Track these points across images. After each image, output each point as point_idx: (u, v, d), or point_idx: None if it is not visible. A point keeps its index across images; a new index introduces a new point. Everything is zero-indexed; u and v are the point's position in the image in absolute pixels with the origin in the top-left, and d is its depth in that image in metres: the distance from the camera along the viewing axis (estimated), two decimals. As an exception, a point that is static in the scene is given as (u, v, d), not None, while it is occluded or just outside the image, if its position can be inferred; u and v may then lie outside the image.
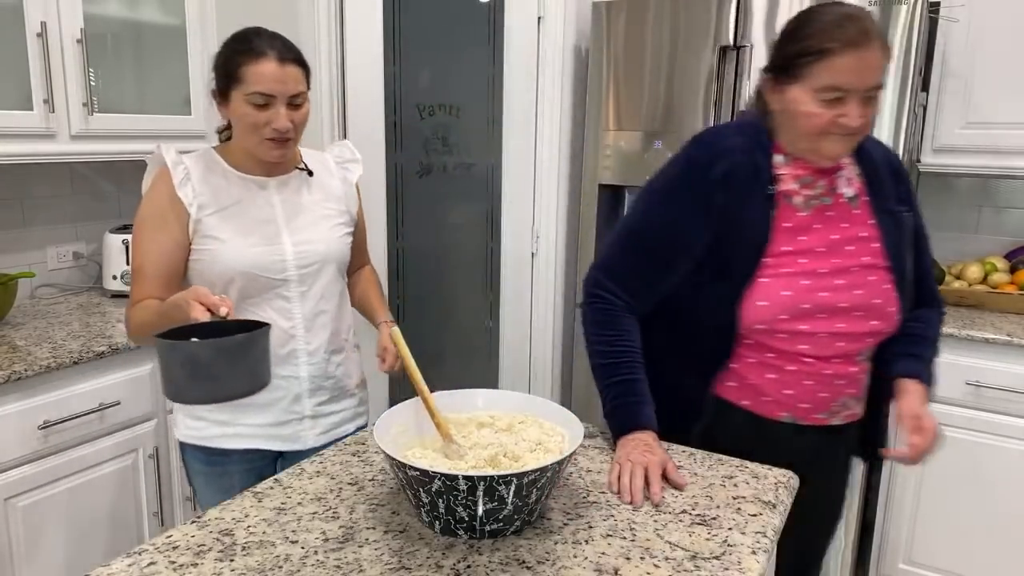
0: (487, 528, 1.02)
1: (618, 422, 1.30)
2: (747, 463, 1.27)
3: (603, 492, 1.17)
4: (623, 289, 1.36)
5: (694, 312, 1.33)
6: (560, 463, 1.01)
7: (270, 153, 1.43)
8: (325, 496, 1.14)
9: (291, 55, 1.40)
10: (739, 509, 1.12)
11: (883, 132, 2.11)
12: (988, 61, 2.34)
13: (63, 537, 1.86)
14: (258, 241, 1.45)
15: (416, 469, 0.98)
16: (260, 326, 1.13)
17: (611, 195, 2.60)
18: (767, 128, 1.33)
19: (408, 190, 2.79)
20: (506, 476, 0.96)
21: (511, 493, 0.98)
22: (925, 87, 2.44)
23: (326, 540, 1.02)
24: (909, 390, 1.35)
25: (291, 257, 1.48)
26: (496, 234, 2.82)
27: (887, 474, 2.39)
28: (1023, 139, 2.34)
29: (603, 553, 1.00)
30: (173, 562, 0.96)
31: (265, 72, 1.36)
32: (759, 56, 2.23)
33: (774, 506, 1.14)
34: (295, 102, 1.41)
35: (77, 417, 1.84)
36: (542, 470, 0.98)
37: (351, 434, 1.54)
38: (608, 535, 1.05)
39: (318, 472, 1.22)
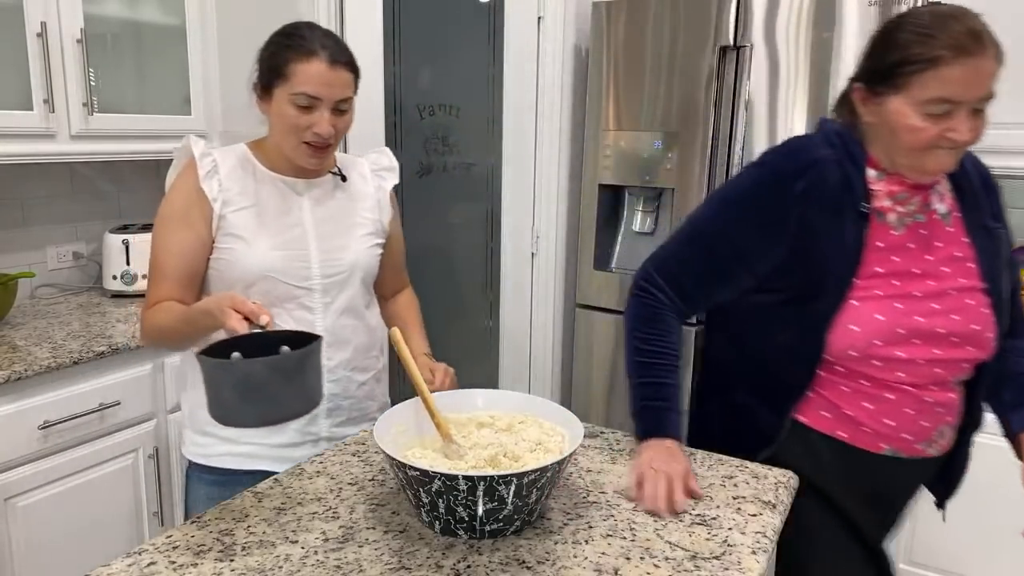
0: (487, 528, 1.02)
1: (644, 425, 1.26)
2: (747, 463, 1.27)
3: (603, 492, 1.17)
4: (673, 289, 1.29)
5: (773, 334, 1.25)
6: (560, 463, 1.01)
7: (307, 159, 1.35)
8: (325, 496, 1.14)
9: (343, 57, 1.32)
10: (739, 509, 1.12)
11: (883, 132, 2.11)
12: (988, 61, 2.34)
13: (63, 537, 1.86)
14: (283, 244, 1.37)
15: (416, 469, 0.98)
16: (303, 336, 1.06)
17: (611, 195, 2.60)
18: (858, 140, 1.23)
19: (408, 190, 2.78)
20: (506, 476, 0.96)
21: (511, 493, 0.98)
22: (925, 87, 2.43)
23: (326, 540, 1.02)
24: None
25: (316, 265, 1.39)
26: (496, 234, 2.82)
27: (887, 474, 2.39)
28: (1023, 139, 2.34)
29: (603, 553, 1.00)
30: (173, 562, 0.96)
31: (313, 73, 1.28)
32: (759, 56, 2.23)
33: (774, 506, 1.14)
34: (341, 107, 1.33)
35: (77, 417, 1.84)
36: (542, 470, 0.98)
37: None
38: (608, 535, 1.05)
39: (318, 472, 1.22)
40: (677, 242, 1.32)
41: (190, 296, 1.35)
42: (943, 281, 1.21)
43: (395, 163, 1.58)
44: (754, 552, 1.01)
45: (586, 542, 1.03)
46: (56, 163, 2.37)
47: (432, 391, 1.27)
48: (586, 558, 0.99)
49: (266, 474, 1.32)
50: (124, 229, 2.46)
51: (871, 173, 1.22)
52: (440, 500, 0.99)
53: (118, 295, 2.41)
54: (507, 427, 1.19)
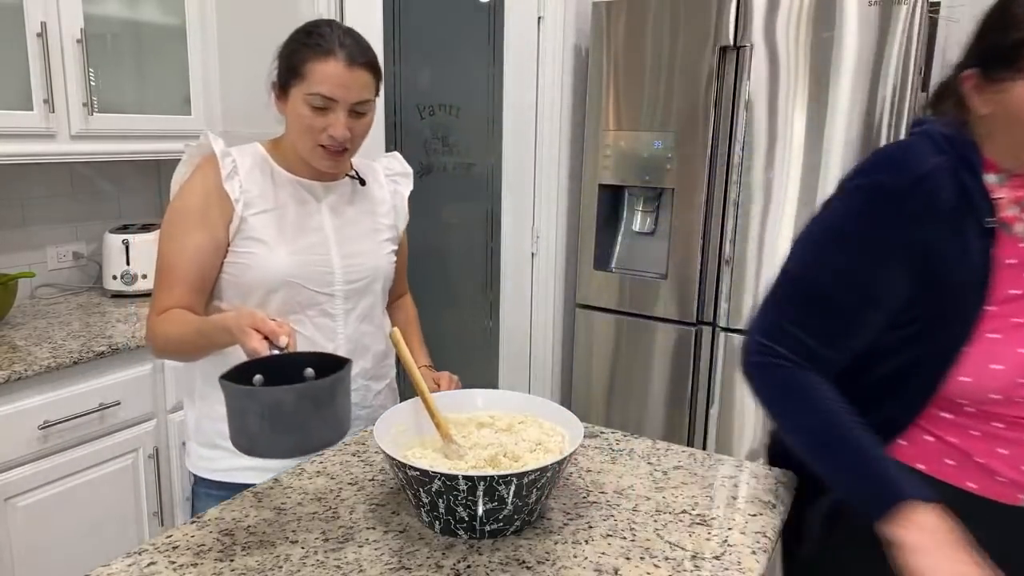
0: (487, 528, 1.02)
1: (882, 498, 0.99)
2: (747, 463, 1.27)
3: (603, 492, 1.17)
4: (800, 355, 1.07)
5: (880, 369, 1.09)
6: (560, 463, 1.01)
7: (322, 162, 1.31)
8: (325, 496, 1.14)
9: (363, 58, 1.26)
10: (739, 509, 1.12)
11: (883, 132, 2.11)
12: (988, 61, 2.34)
13: (63, 537, 1.86)
14: (306, 249, 1.33)
15: (416, 469, 0.98)
16: (326, 358, 1.02)
17: (611, 195, 2.60)
18: (970, 140, 1.05)
19: (408, 190, 2.79)
20: (506, 476, 0.96)
21: (511, 493, 0.98)
22: (925, 87, 2.44)
23: (326, 540, 1.02)
24: None
25: (339, 270, 1.36)
26: (496, 234, 2.82)
27: (887, 474, 2.38)
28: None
29: (603, 553, 1.00)
30: (173, 562, 0.96)
31: (330, 73, 1.23)
32: (759, 56, 2.23)
33: (774, 506, 1.14)
34: (358, 110, 1.28)
35: (77, 417, 1.84)
36: (542, 470, 0.98)
37: None
38: (608, 535, 1.05)
39: (318, 472, 1.22)
40: (783, 302, 1.11)
41: (200, 302, 1.29)
42: None
43: (408, 168, 1.55)
44: (754, 552, 1.01)
45: (586, 542, 1.03)
46: (56, 163, 2.37)
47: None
48: (586, 558, 0.99)
49: None
50: (124, 229, 2.46)
51: (990, 178, 1.04)
52: (440, 500, 0.99)
53: (118, 295, 2.41)
54: (507, 427, 1.19)
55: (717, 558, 1.00)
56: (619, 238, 2.67)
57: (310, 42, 1.25)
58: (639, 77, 2.42)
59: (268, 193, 1.33)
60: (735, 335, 2.39)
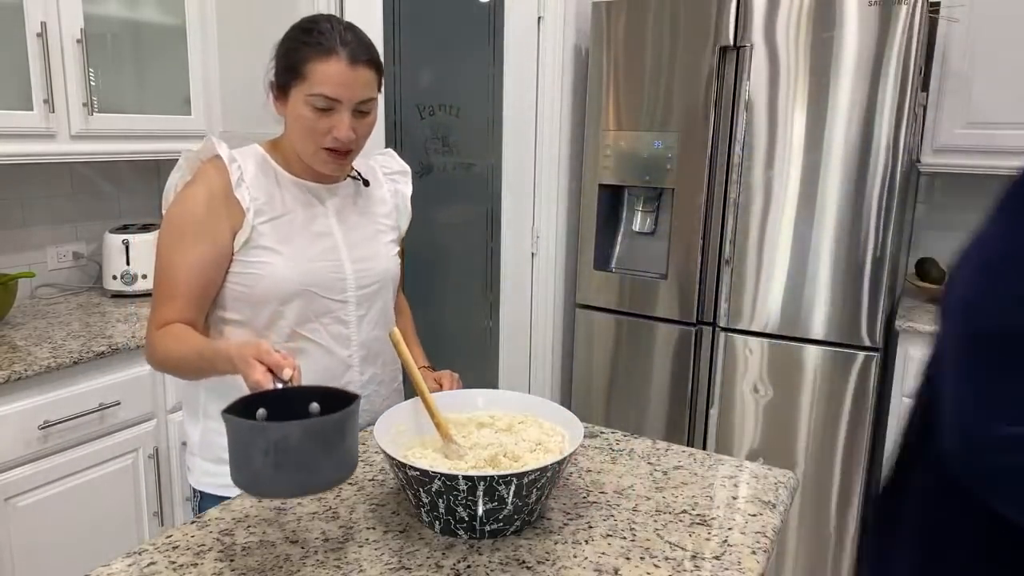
0: (487, 528, 1.02)
1: None
2: (747, 463, 1.27)
3: (603, 492, 1.17)
4: None
5: None
6: (560, 463, 1.01)
7: (327, 165, 1.26)
8: (325, 496, 1.14)
9: (366, 55, 1.21)
10: (739, 509, 1.12)
11: (882, 132, 2.11)
12: (988, 61, 2.34)
13: (63, 537, 1.86)
14: (318, 256, 1.29)
15: (416, 469, 0.98)
16: (331, 393, 0.99)
17: (611, 195, 2.60)
18: None
19: (408, 190, 2.78)
20: (506, 476, 0.96)
21: (511, 493, 0.98)
22: (925, 87, 2.44)
23: (326, 540, 1.02)
24: None
25: (351, 276, 1.32)
26: (496, 234, 2.82)
27: (887, 474, 2.39)
28: (1023, 139, 2.34)
29: (603, 553, 1.00)
30: (173, 562, 0.96)
31: (332, 73, 1.18)
32: (759, 56, 2.23)
33: (774, 506, 1.14)
34: (362, 109, 1.23)
35: (77, 417, 1.84)
36: (542, 470, 0.98)
37: None
38: (608, 535, 1.05)
39: (318, 472, 1.22)
40: (1004, 374, 0.78)
41: (202, 314, 1.26)
42: None
43: (406, 166, 1.52)
44: (754, 552, 1.01)
45: (586, 542, 1.03)
46: (56, 163, 2.37)
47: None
48: (586, 558, 0.99)
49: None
50: (124, 229, 2.46)
51: None
52: (440, 500, 0.99)
53: (118, 295, 2.41)
54: (507, 427, 1.19)
55: (717, 558, 1.00)
56: (619, 238, 2.67)
57: (310, 40, 1.20)
58: (639, 77, 2.42)
59: (275, 199, 1.28)
60: (735, 335, 2.39)
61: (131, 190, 2.63)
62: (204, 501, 1.35)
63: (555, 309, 2.78)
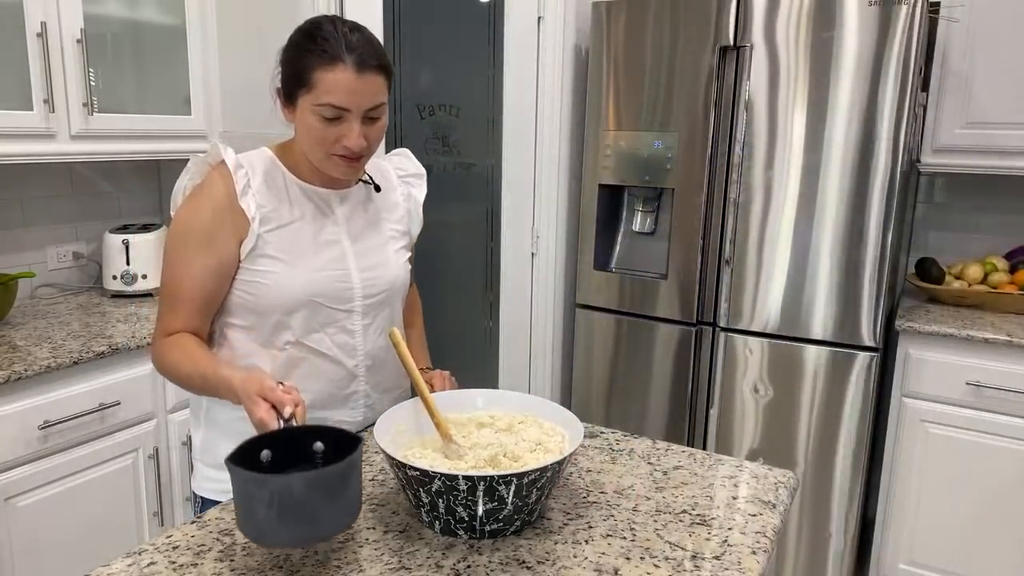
0: (487, 528, 1.02)
1: None
2: (747, 463, 1.27)
3: (603, 492, 1.17)
4: None
5: None
6: (560, 463, 1.01)
7: (338, 170, 1.23)
8: (325, 496, 1.14)
9: (373, 61, 1.17)
10: (739, 509, 1.12)
11: (882, 132, 2.11)
12: (988, 61, 2.34)
13: (63, 537, 1.86)
14: (325, 265, 1.26)
15: (416, 469, 0.98)
16: (335, 433, 0.99)
17: (611, 195, 2.60)
18: None
19: (408, 190, 2.78)
20: (506, 476, 0.96)
21: (511, 493, 0.98)
22: (925, 87, 2.44)
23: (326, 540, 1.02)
24: None
25: (358, 285, 1.29)
26: (496, 234, 2.82)
27: (887, 473, 2.39)
28: (1023, 139, 2.34)
29: (603, 553, 1.00)
30: (173, 562, 0.96)
31: (340, 81, 1.14)
32: (759, 56, 2.23)
33: (774, 506, 1.14)
34: (372, 115, 1.19)
35: (77, 417, 1.84)
36: (542, 470, 0.98)
37: None
38: (608, 535, 1.05)
39: (318, 472, 1.22)
40: None
41: (207, 322, 1.26)
42: None
43: (421, 169, 1.48)
44: (754, 552, 1.01)
45: (586, 542, 1.03)
46: (56, 163, 2.37)
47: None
48: (586, 558, 0.99)
49: None
50: (124, 229, 2.46)
51: None
52: (440, 500, 0.99)
53: (118, 295, 2.41)
54: (507, 427, 1.19)
55: (717, 558, 1.00)
56: (619, 238, 2.67)
57: (314, 47, 1.15)
58: (639, 77, 2.43)
59: (283, 207, 1.25)
60: (735, 335, 2.39)
61: (131, 190, 2.63)
62: (205, 507, 1.34)
63: (555, 309, 2.78)
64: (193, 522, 1.06)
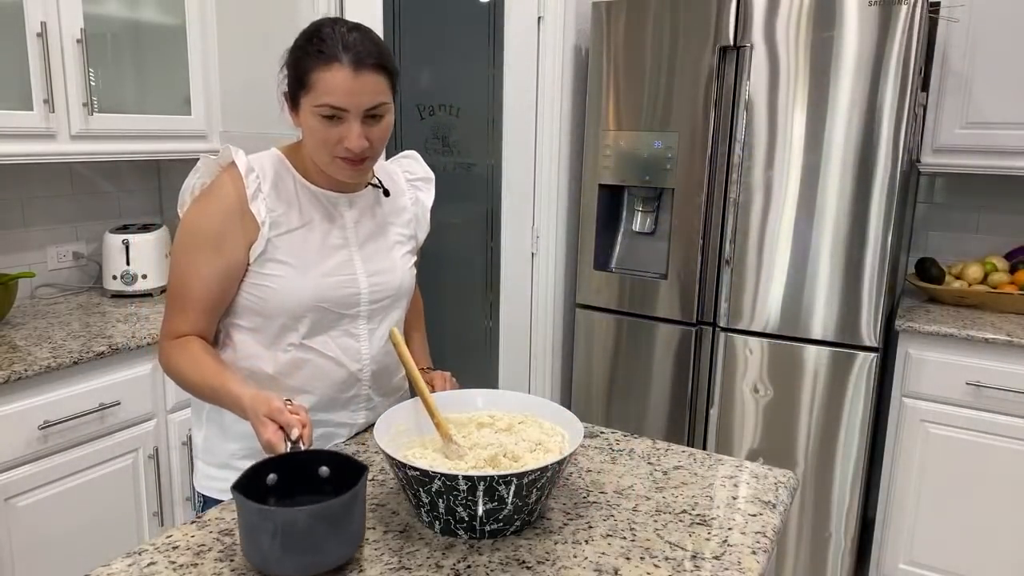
0: (487, 528, 1.02)
1: None
2: (747, 463, 1.27)
3: (603, 492, 1.17)
4: None
5: None
6: (560, 463, 1.01)
7: (342, 173, 1.22)
8: (325, 496, 1.14)
9: (371, 59, 1.15)
10: (739, 509, 1.12)
11: (883, 132, 2.11)
12: (988, 61, 2.34)
13: (63, 537, 1.86)
14: (332, 270, 1.26)
15: (416, 469, 0.98)
16: (339, 458, 1.01)
17: (611, 195, 2.60)
18: None
19: (408, 190, 2.78)
20: (506, 476, 0.96)
21: (511, 493, 0.98)
22: (925, 87, 2.44)
23: (326, 540, 1.02)
24: None
25: (365, 290, 1.29)
26: (496, 234, 2.82)
27: (887, 473, 2.39)
28: (1023, 139, 2.34)
29: (603, 553, 1.00)
30: (173, 562, 0.96)
31: (336, 82, 1.13)
32: (759, 56, 2.23)
33: (774, 506, 1.14)
34: (374, 114, 1.18)
35: (77, 417, 1.84)
36: (542, 470, 0.98)
37: None
38: (608, 535, 1.05)
39: (318, 472, 1.22)
40: None
41: (213, 325, 1.26)
42: None
43: (430, 173, 1.48)
44: (754, 552, 1.01)
45: (586, 542, 1.03)
46: (56, 163, 2.37)
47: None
48: (586, 558, 0.99)
49: None
50: (124, 229, 2.46)
51: None
52: (440, 500, 0.99)
53: (118, 295, 2.41)
54: (507, 427, 1.19)
55: (717, 558, 1.00)
56: (619, 238, 2.67)
57: (312, 49, 1.16)
58: (639, 77, 2.43)
59: (293, 211, 1.25)
60: (735, 335, 2.39)
61: (131, 190, 2.63)
62: (207, 505, 1.34)
63: (555, 309, 2.78)
64: (193, 522, 1.06)
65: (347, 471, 0.99)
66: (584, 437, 1.10)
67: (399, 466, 1.00)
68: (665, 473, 1.24)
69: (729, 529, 1.07)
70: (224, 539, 1.02)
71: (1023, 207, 2.66)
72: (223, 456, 1.32)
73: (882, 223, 2.15)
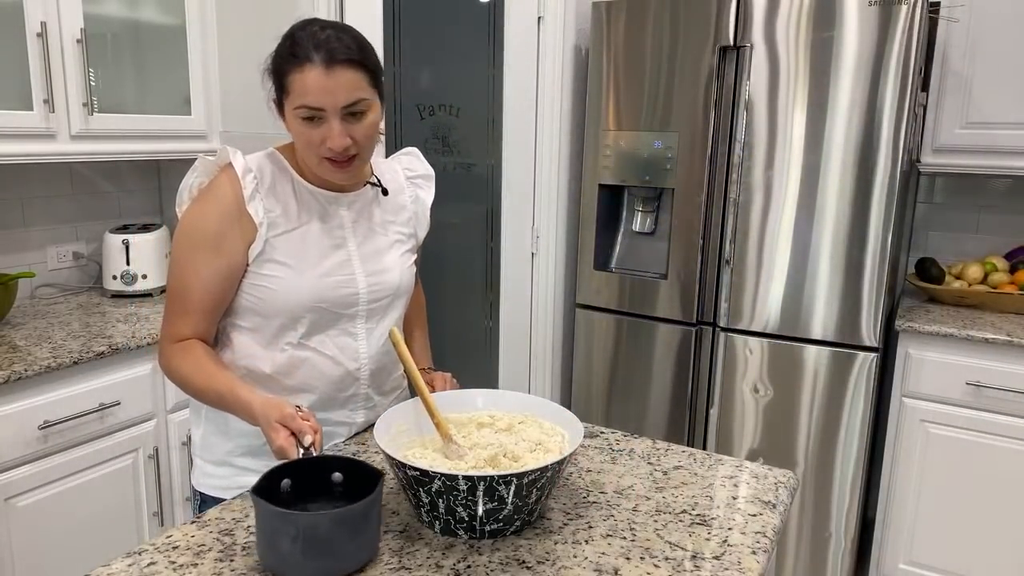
0: (487, 528, 1.02)
1: None
2: (747, 463, 1.27)
3: (603, 492, 1.17)
4: None
5: None
6: (560, 463, 1.01)
7: (333, 175, 1.21)
8: (325, 496, 1.14)
9: (345, 55, 1.13)
10: (739, 509, 1.12)
11: (883, 132, 2.11)
12: (988, 61, 2.34)
13: (63, 537, 1.86)
14: (331, 270, 1.25)
15: (416, 469, 0.98)
16: (353, 464, 1.01)
17: (611, 195, 2.60)
18: None
19: (408, 190, 2.78)
20: (506, 476, 0.96)
21: (511, 493, 0.98)
22: (925, 87, 2.44)
23: (326, 540, 1.02)
24: None
25: (364, 289, 1.28)
26: (496, 234, 2.82)
27: (887, 473, 2.39)
28: (1023, 139, 2.34)
29: (603, 553, 1.00)
30: (173, 562, 0.96)
31: (310, 81, 1.12)
32: (759, 56, 2.23)
33: (774, 506, 1.14)
34: (354, 111, 1.16)
35: (77, 417, 1.84)
36: (542, 470, 0.98)
37: None
38: (608, 535, 1.05)
39: (318, 472, 1.22)
40: None
41: (214, 326, 1.25)
42: None
43: (430, 170, 1.46)
44: (754, 552, 1.01)
45: (586, 542, 1.03)
46: (56, 163, 2.37)
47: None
48: (586, 558, 0.99)
49: None
50: (124, 229, 2.46)
51: None
52: (440, 500, 0.99)
53: (118, 295, 2.41)
54: (507, 427, 1.19)
55: (717, 558, 1.00)
56: (619, 238, 2.67)
57: (285, 51, 1.15)
58: (639, 77, 2.43)
59: (291, 211, 1.24)
60: (735, 335, 2.39)
61: (131, 190, 2.63)
62: (204, 503, 1.34)
63: (555, 309, 2.78)
64: (193, 522, 1.06)
65: (359, 477, 1.00)
66: (584, 437, 1.10)
67: (399, 466, 1.00)
68: (665, 473, 1.24)
69: (729, 529, 1.07)
70: (224, 539, 1.02)
71: (1023, 207, 2.66)
72: (220, 454, 1.32)
73: (882, 223, 2.15)
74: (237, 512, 1.09)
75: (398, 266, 1.35)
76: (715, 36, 2.28)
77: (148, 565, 0.95)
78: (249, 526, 1.05)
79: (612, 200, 2.62)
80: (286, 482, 0.99)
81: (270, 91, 1.21)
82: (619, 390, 2.62)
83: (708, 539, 1.04)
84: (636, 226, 2.61)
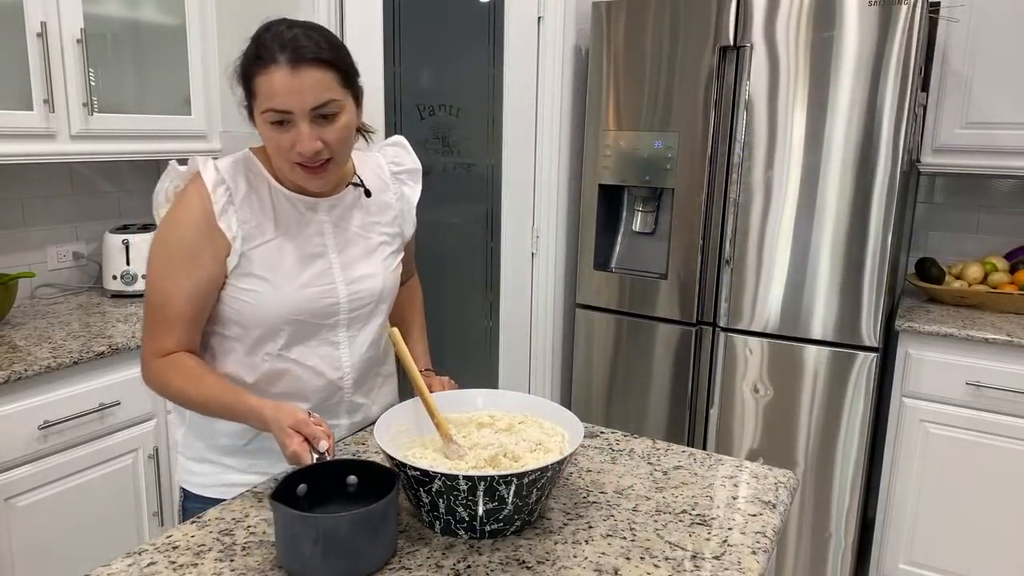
0: (487, 528, 1.02)
1: None
2: (747, 463, 1.27)
3: (603, 492, 1.17)
4: None
5: None
6: (560, 463, 1.01)
7: (308, 181, 1.16)
8: (325, 496, 1.14)
9: (311, 54, 1.08)
10: (739, 509, 1.12)
11: (883, 132, 2.11)
12: (988, 61, 2.34)
13: (63, 537, 1.86)
14: (310, 281, 1.21)
15: (416, 469, 0.98)
16: (367, 466, 1.02)
17: (611, 195, 2.60)
18: None
19: (408, 190, 2.77)
20: (506, 476, 0.96)
21: (511, 493, 0.98)
22: (925, 87, 2.44)
23: (326, 540, 1.02)
24: None
25: (344, 298, 1.25)
26: (496, 234, 2.82)
27: (887, 473, 2.39)
28: (1023, 139, 2.34)
29: (603, 553, 1.00)
30: (173, 562, 0.96)
31: (275, 83, 1.07)
32: (759, 56, 2.23)
33: (774, 506, 1.14)
34: (323, 113, 1.10)
35: (77, 417, 1.84)
36: (542, 470, 0.98)
37: None
38: (608, 535, 1.05)
39: (318, 472, 1.22)
40: None
41: (198, 336, 1.21)
42: None
43: (418, 164, 1.40)
44: (754, 552, 1.01)
45: (586, 542, 1.03)
46: (56, 163, 2.37)
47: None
48: (586, 558, 0.99)
49: None
50: (124, 229, 2.46)
51: None
52: (440, 500, 0.99)
53: (118, 295, 2.41)
54: (507, 427, 1.19)
55: (717, 558, 1.00)
56: (619, 238, 2.67)
57: (251, 53, 1.11)
58: (639, 77, 2.43)
59: (268, 221, 1.20)
60: (735, 335, 2.39)
61: (131, 190, 2.63)
62: (188, 500, 1.33)
63: (555, 309, 2.78)
64: (193, 522, 1.06)
65: (371, 477, 1.01)
66: (584, 437, 1.10)
67: (399, 466, 1.00)
68: (665, 473, 1.24)
69: (729, 529, 1.07)
70: (224, 539, 1.02)
71: (1023, 207, 2.66)
72: (200, 449, 1.30)
73: (882, 223, 2.15)
74: (237, 512, 1.09)
75: (381, 271, 1.30)
76: (715, 36, 2.28)
77: (148, 565, 0.95)
78: (249, 526, 1.05)
79: (612, 200, 2.62)
80: (302, 487, 0.99)
81: (240, 97, 1.16)
82: (619, 390, 2.62)
83: (708, 539, 1.04)
84: (636, 226, 2.61)
